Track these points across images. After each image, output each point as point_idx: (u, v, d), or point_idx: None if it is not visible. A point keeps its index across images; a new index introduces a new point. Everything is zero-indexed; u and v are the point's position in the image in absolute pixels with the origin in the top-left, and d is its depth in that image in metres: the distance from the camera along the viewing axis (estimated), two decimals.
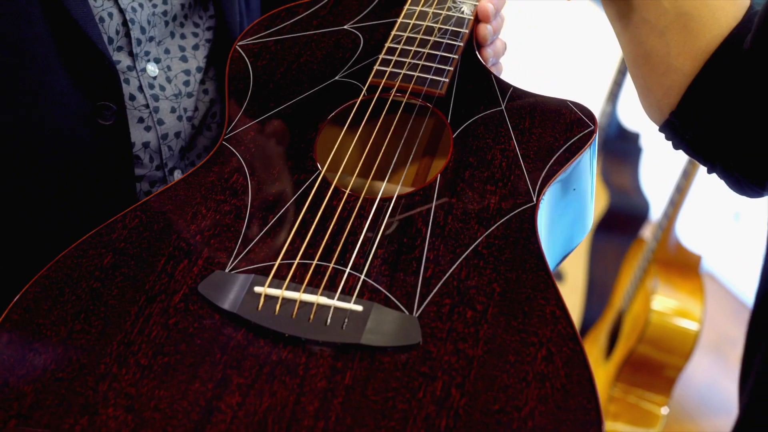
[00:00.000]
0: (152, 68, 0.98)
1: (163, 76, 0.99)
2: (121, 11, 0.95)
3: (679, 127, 0.92)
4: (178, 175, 1.01)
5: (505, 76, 0.97)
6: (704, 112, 0.90)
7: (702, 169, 2.03)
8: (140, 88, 0.97)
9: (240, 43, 0.98)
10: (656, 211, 2.42)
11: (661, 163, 2.66)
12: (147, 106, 0.97)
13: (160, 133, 0.99)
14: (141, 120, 0.97)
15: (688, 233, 2.23)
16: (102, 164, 0.95)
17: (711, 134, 0.91)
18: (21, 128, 0.92)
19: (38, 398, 0.71)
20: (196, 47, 1.02)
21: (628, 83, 2.29)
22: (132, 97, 0.96)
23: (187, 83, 1.01)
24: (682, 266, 2.16)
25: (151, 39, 0.98)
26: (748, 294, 2.71)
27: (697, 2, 0.88)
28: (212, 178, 0.87)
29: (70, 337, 0.74)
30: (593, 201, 0.94)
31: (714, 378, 2.47)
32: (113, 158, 0.95)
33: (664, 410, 2.10)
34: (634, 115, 2.41)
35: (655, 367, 2.10)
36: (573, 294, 2.48)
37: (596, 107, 2.50)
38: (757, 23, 0.86)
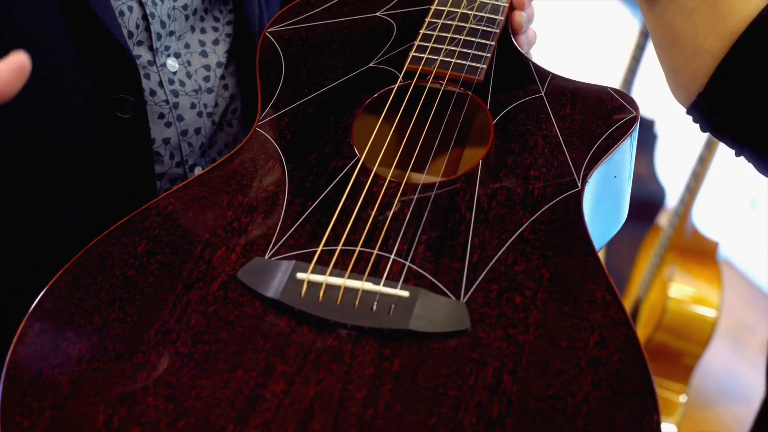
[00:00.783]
0: (172, 63, 0.97)
1: (183, 71, 0.98)
2: (141, 5, 0.95)
3: (707, 109, 0.92)
4: (198, 171, 0.99)
5: None
6: (733, 93, 0.89)
7: (718, 156, 2.03)
8: (160, 84, 0.96)
9: (270, 30, 0.97)
10: (672, 198, 2.41)
11: (676, 150, 2.65)
12: (167, 101, 0.97)
13: (180, 129, 0.98)
14: (161, 116, 0.96)
15: (704, 220, 2.21)
16: (122, 159, 0.94)
17: (740, 116, 0.90)
18: (39, 121, 0.91)
19: (74, 388, 0.69)
20: (216, 42, 1.02)
21: (643, 70, 2.28)
22: (152, 93, 0.96)
23: (207, 78, 1.00)
24: (699, 253, 2.15)
25: (171, 33, 0.98)
26: (766, 281, 2.70)
27: None
28: (247, 164, 0.85)
29: (105, 326, 0.73)
30: (629, 190, 0.93)
31: (732, 366, 2.46)
32: (133, 153, 0.94)
33: (682, 398, 2.09)
34: (649, 102, 2.40)
35: (672, 354, 2.09)
36: None
37: None
38: None
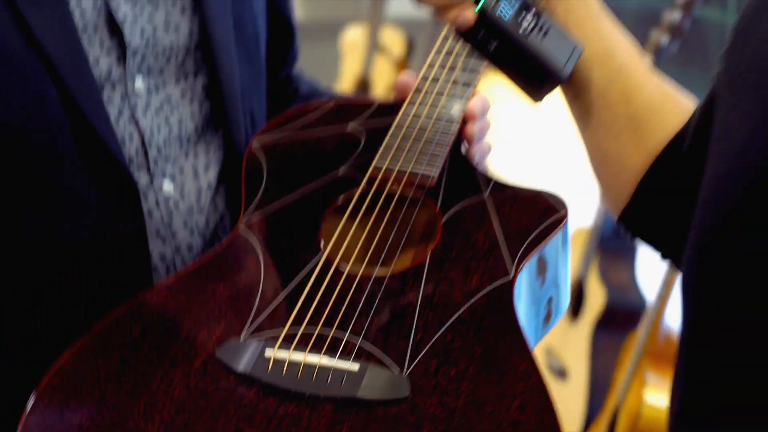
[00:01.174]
0: (168, 186, 1.07)
1: (178, 193, 1.08)
2: (141, 134, 1.06)
3: (630, 222, 1.00)
4: None
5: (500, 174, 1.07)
6: (651, 209, 0.97)
7: None
8: (157, 204, 1.06)
9: (256, 140, 1.11)
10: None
11: (656, 259, 2.72)
12: (162, 220, 1.07)
13: (173, 246, 1.08)
14: (158, 233, 1.06)
15: (678, 324, 2.27)
16: (122, 274, 1.04)
17: (658, 230, 0.98)
18: (46, 234, 1.02)
19: None
20: (207, 166, 1.11)
21: None
22: (150, 213, 1.06)
23: (198, 200, 1.10)
24: (673, 357, 2.20)
25: (166, 159, 1.08)
26: None
27: (647, 109, 0.95)
28: (229, 259, 0.98)
29: (103, 398, 0.85)
30: (568, 282, 1.04)
31: None
32: (133, 268, 1.05)
33: None
34: None
35: None
36: (576, 391, 2.52)
37: (592, 206, 2.59)
38: (693, 127, 0.93)
